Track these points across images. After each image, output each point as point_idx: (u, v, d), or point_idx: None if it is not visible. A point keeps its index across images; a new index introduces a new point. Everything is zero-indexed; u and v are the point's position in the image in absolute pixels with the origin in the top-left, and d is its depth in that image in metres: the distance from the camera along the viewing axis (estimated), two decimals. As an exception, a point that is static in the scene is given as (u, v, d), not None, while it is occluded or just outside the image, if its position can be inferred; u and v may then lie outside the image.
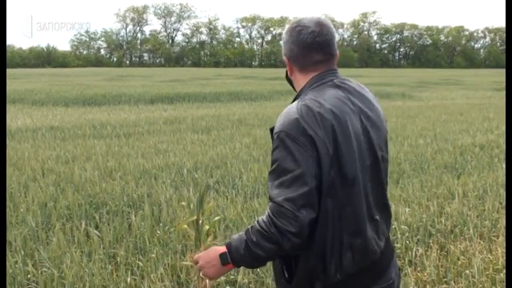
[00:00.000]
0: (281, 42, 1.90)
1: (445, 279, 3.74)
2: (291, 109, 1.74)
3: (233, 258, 1.73)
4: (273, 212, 1.65)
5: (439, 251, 4.22)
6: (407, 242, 4.38)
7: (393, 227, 4.64)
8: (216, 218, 1.89)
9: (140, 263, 3.96)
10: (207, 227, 1.88)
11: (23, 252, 4.08)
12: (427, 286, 3.61)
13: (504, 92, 26.31)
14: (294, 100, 1.83)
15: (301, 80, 1.88)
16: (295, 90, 1.93)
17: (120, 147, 9.22)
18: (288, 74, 1.93)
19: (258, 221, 1.70)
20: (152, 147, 9.14)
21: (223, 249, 1.76)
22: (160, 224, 4.74)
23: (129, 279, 3.67)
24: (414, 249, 4.19)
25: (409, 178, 6.71)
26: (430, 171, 7.08)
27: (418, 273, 3.83)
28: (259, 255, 1.69)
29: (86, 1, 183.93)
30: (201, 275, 1.86)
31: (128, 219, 5.01)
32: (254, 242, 1.68)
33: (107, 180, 6.48)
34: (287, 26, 1.87)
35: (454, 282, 3.69)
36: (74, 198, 5.54)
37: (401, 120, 13.19)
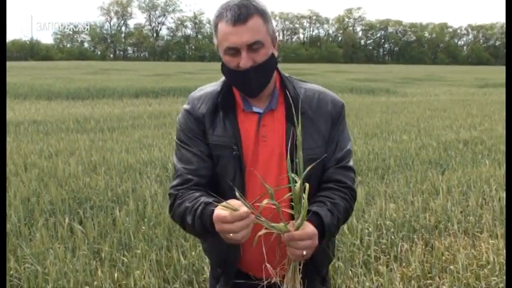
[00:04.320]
0: (261, 23, 1.58)
1: (430, 275, 3.76)
2: (328, 91, 1.76)
3: (322, 238, 1.52)
4: (351, 182, 1.71)
5: (423, 247, 4.25)
6: (393, 237, 4.40)
7: (378, 222, 4.66)
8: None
9: (125, 259, 3.92)
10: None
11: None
12: (412, 281, 3.62)
13: (487, 89, 26.67)
14: (280, 78, 1.72)
15: None
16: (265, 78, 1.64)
17: (104, 141, 9.13)
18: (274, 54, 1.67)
19: (344, 199, 1.64)
20: (137, 142, 9.07)
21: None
22: (145, 220, 4.70)
23: (116, 275, 3.63)
24: (399, 245, 4.21)
25: (394, 174, 6.75)
26: (415, 167, 7.12)
27: (404, 269, 3.84)
28: (337, 230, 1.65)
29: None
30: (291, 253, 1.44)
31: (112, 214, 4.96)
32: (340, 219, 1.61)
33: (90, 175, 6.42)
34: (261, 3, 1.60)
35: (439, 277, 3.71)
36: (58, 193, 5.47)
37: (386, 116, 13.26)
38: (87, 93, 20.63)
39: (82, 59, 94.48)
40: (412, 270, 3.80)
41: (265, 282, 1.46)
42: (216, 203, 1.44)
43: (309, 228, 1.42)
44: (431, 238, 4.45)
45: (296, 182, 1.41)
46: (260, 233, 1.37)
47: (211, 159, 1.67)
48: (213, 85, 1.76)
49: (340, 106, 1.72)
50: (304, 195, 1.39)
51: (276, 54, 1.66)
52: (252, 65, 1.56)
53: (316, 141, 1.66)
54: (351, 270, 3.81)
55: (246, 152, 1.65)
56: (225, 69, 1.64)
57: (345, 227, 4.37)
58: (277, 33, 1.67)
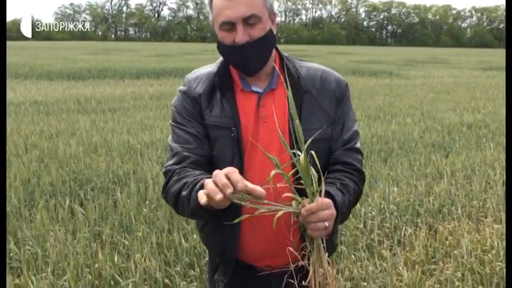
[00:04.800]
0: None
1: (433, 260, 3.73)
2: (330, 70, 1.67)
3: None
4: (360, 164, 1.62)
5: (427, 231, 4.21)
6: (396, 221, 4.36)
7: (382, 206, 4.62)
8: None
9: (126, 241, 3.89)
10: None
11: (5, 230, 3.99)
12: (416, 266, 3.58)
13: (491, 72, 26.48)
14: (279, 56, 1.63)
15: None
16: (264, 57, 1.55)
17: (105, 122, 9.07)
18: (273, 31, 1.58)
19: (353, 181, 1.55)
20: (138, 123, 9.01)
21: None
22: (147, 202, 4.66)
23: (116, 258, 3.60)
24: (403, 229, 4.17)
25: (397, 157, 6.69)
26: (418, 150, 7.06)
27: (407, 253, 3.81)
28: (348, 213, 1.54)
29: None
30: (313, 229, 1.30)
31: (113, 196, 4.92)
32: (351, 201, 1.52)
33: (91, 156, 6.37)
34: None
35: (443, 262, 3.68)
36: (58, 175, 5.43)
37: (389, 99, 13.16)
38: (88, 74, 20.50)
39: (83, 39, 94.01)
40: (416, 255, 3.76)
41: (292, 267, 1.36)
42: None
43: (324, 199, 1.30)
44: (435, 222, 4.41)
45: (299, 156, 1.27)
46: (278, 214, 1.25)
47: (209, 140, 1.59)
48: (209, 66, 1.67)
49: (344, 85, 1.64)
50: (312, 168, 1.26)
51: (274, 30, 1.57)
52: (248, 41, 1.47)
53: (322, 121, 1.57)
54: (354, 254, 3.78)
55: (245, 133, 1.55)
56: (220, 47, 1.54)
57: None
58: (279, 14, 1.60)
